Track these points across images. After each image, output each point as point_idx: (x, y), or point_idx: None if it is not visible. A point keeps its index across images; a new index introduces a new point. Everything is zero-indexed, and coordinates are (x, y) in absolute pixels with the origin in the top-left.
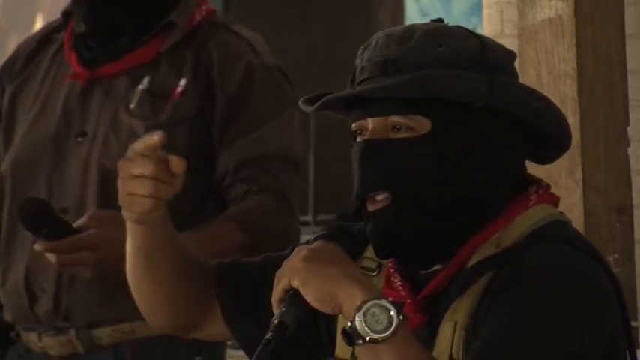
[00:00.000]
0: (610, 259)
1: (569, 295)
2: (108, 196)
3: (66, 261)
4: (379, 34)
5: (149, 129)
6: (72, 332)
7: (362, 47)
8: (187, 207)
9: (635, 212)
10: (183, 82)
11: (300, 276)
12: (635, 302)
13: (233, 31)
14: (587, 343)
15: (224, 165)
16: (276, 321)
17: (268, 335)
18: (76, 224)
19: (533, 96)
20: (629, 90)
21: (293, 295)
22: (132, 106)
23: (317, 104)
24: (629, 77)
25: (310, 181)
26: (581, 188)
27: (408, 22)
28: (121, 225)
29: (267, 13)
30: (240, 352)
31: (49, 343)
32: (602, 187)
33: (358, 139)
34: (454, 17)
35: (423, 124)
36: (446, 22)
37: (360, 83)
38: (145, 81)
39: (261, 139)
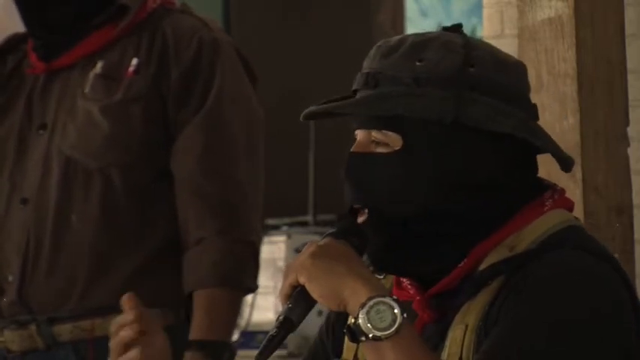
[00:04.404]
0: None
1: (583, 301)
2: (68, 182)
3: None
4: (379, 43)
5: (103, 109)
6: (32, 327)
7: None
8: (145, 178)
9: (635, 212)
10: (135, 61)
11: (306, 272)
12: None
13: (187, 13)
14: (601, 349)
15: (178, 165)
16: (282, 317)
17: (273, 331)
18: None
19: (502, 112)
20: (629, 90)
21: (300, 292)
22: (86, 90)
23: (302, 114)
24: (629, 77)
25: (310, 181)
26: (581, 188)
27: (408, 22)
28: None
29: (268, 15)
30: (242, 352)
31: (10, 337)
32: (602, 187)
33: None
34: (454, 17)
35: (395, 141)
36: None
37: (354, 92)
38: (99, 65)
39: (208, 124)
